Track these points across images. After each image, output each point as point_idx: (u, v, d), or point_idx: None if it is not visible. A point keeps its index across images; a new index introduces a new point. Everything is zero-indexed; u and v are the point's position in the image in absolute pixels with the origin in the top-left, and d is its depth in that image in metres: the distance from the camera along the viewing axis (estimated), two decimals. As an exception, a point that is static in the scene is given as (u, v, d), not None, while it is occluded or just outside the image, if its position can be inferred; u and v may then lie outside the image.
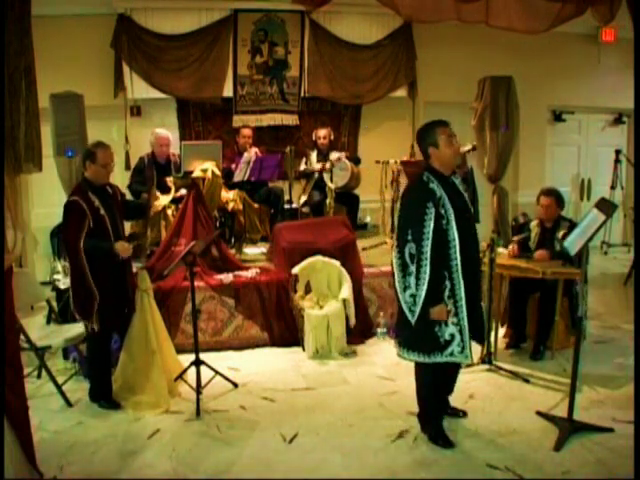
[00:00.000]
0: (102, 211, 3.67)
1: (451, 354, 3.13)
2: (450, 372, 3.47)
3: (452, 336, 3.12)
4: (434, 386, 3.31)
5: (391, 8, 5.91)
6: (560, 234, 4.46)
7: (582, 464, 3.06)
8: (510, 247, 4.73)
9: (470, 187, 6.28)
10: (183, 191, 5.45)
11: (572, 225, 4.38)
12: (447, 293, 3.09)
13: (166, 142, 6.00)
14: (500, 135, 6.32)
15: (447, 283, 3.09)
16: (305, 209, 6.50)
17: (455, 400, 3.75)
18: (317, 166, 6.52)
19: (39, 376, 4.19)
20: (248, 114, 7.17)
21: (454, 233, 3.04)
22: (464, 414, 3.60)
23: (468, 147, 6.11)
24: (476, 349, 4.49)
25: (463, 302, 3.10)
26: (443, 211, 3.02)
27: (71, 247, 3.62)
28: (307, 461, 3.15)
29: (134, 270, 4.12)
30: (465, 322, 3.11)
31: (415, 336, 3.16)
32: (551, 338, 4.55)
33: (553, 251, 4.49)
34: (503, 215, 6.63)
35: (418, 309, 3.05)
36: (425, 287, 3.00)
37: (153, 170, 5.91)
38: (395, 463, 3.12)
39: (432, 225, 2.99)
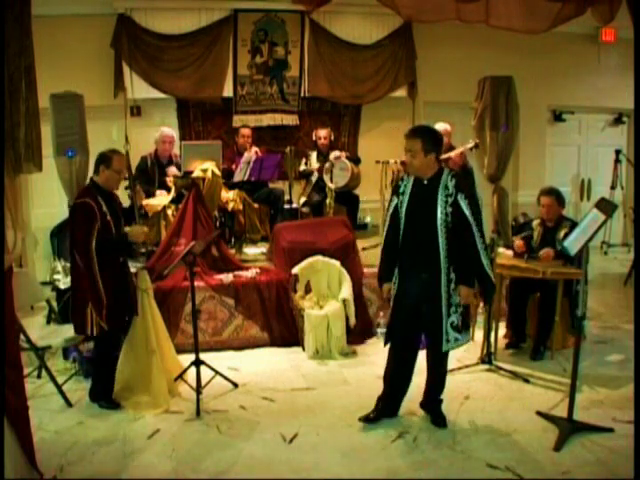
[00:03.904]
0: (109, 216, 3.68)
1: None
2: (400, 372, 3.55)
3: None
4: (390, 364, 3.54)
5: (391, 8, 5.91)
6: (562, 234, 4.46)
7: (582, 464, 3.06)
8: (516, 243, 4.70)
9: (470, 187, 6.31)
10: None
11: (574, 225, 4.36)
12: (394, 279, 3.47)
13: (169, 139, 6.07)
14: (500, 135, 6.31)
15: (397, 271, 3.45)
16: (305, 209, 6.50)
17: (454, 400, 3.76)
18: (317, 165, 6.52)
19: (39, 376, 4.19)
20: (248, 114, 7.18)
21: (402, 226, 3.39)
22: (443, 424, 3.48)
23: (470, 144, 6.11)
24: (476, 348, 4.54)
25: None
26: (399, 205, 3.41)
27: (82, 248, 3.58)
28: (307, 461, 3.14)
29: (133, 270, 4.12)
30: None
31: None
32: (551, 338, 4.55)
33: (556, 250, 4.49)
34: (503, 215, 6.63)
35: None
36: (378, 263, 3.60)
37: (148, 170, 5.96)
38: (395, 463, 3.12)
39: (390, 213, 3.48)
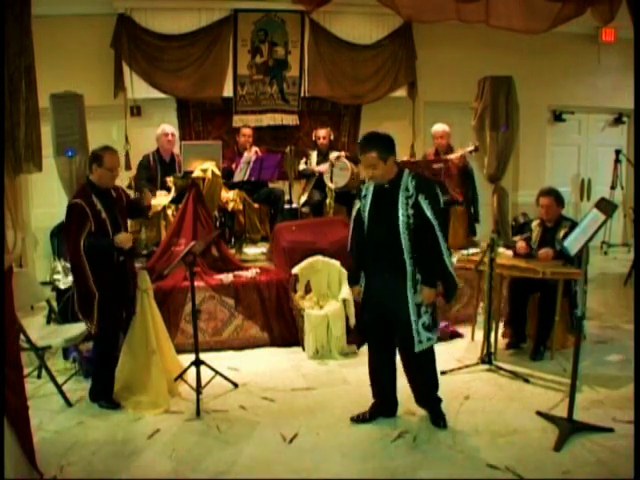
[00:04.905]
0: (103, 215, 3.68)
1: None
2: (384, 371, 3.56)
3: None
4: (370, 366, 3.59)
5: (391, 8, 5.90)
6: (561, 234, 4.46)
7: (582, 464, 3.06)
8: (519, 245, 4.70)
9: (470, 187, 6.32)
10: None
11: (573, 225, 4.36)
12: (362, 282, 3.50)
13: (171, 131, 6.07)
14: (500, 135, 6.31)
15: (363, 273, 3.49)
16: (305, 209, 6.50)
17: (454, 400, 3.76)
18: (318, 168, 6.51)
19: (39, 376, 4.19)
20: (248, 114, 7.17)
21: (366, 229, 3.41)
22: (443, 424, 3.48)
23: (470, 148, 6.11)
24: (476, 348, 4.54)
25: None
26: (362, 209, 3.45)
27: (72, 248, 3.63)
28: (307, 461, 3.15)
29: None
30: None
31: None
32: (551, 338, 4.54)
33: (555, 250, 4.49)
34: (503, 215, 6.63)
35: None
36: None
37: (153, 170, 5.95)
38: (395, 463, 3.12)
39: (353, 217, 3.51)
